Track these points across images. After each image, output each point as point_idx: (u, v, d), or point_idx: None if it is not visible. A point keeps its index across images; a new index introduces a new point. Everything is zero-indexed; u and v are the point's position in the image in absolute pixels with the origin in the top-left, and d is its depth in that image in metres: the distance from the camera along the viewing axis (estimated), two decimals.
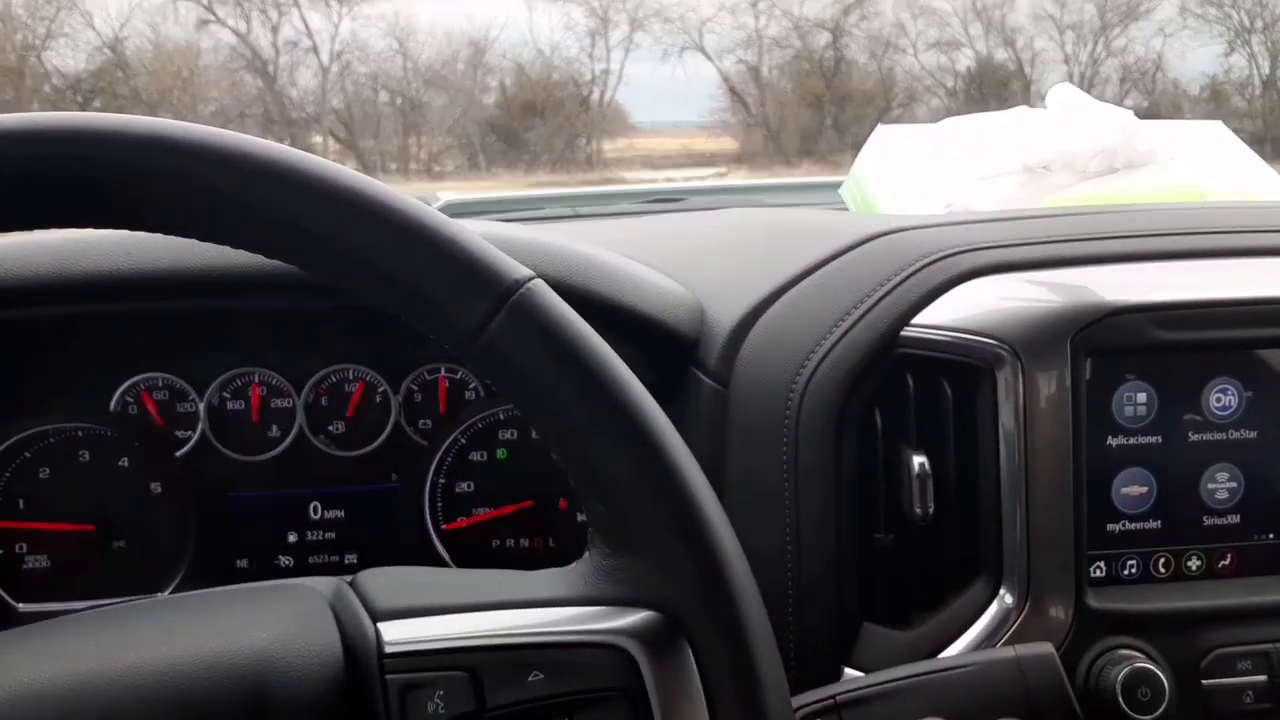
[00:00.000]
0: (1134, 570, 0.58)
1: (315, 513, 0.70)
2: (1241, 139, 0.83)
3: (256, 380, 0.69)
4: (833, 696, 0.49)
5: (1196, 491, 0.58)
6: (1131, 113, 0.77)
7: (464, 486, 0.71)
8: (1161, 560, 0.58)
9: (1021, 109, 0.82)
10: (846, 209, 0.88)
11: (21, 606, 0.68)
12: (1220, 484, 0.58)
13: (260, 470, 0.69)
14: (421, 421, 0.71)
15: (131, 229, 0.35)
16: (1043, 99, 0.83)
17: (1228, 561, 0.58)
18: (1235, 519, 0.58)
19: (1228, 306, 0.57)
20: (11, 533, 0.68)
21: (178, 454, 0.69)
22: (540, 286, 0.37)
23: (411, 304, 0.37)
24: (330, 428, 0.70)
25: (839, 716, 0.49)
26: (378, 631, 0.36)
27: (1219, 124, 0.85)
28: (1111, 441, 0.57)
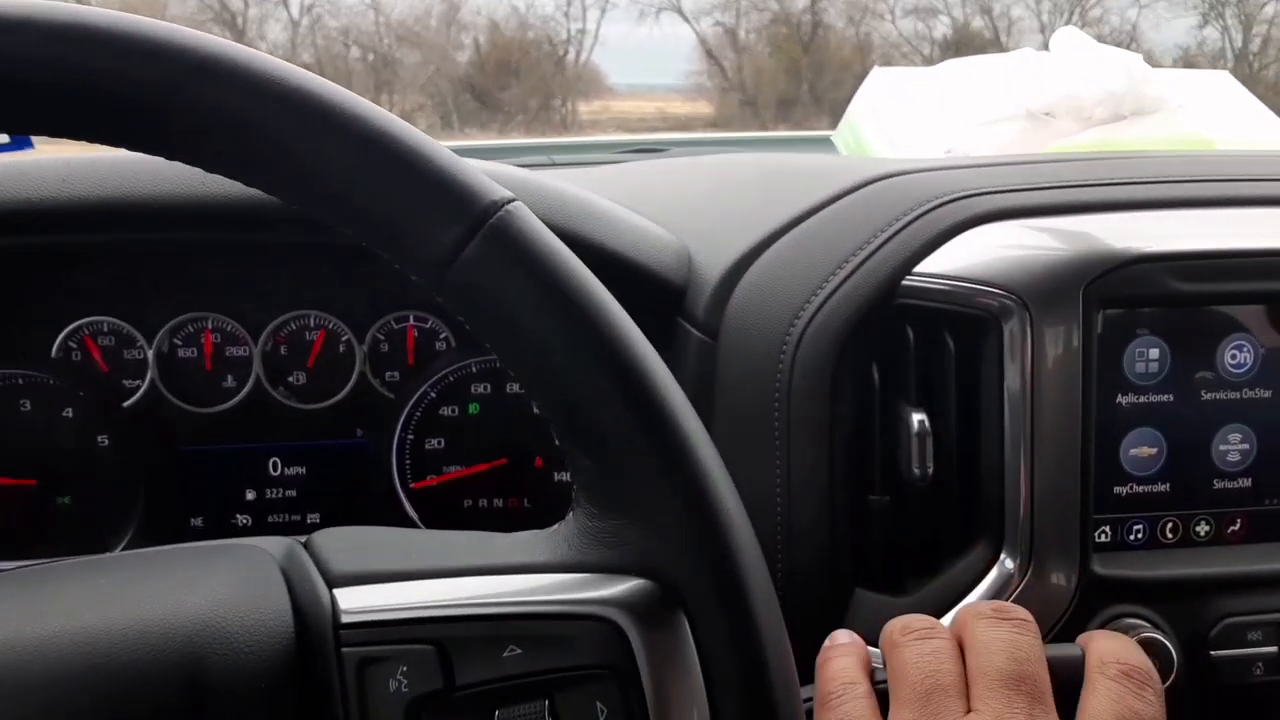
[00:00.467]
0: (1140, 535, 0.55)
1: (274, 469, 0.66)
2: None
3: (210, 326, 0.65)
4: None
5: (1207, 453, 0.55)
6: (1140, 58, 0.73)
7: (434, 443, 0.67)
8: (1169, 525, 0.55)
9: (1026, 51, 0.78)
10: (839, 155, 0.84)
11: None
12: (1232, 445, 0.55)
13: (215, 423, 0.65)
14: (388, 373, 0.67)
15: (47, 133, 0.30)
16: None
17: (1237, 527, 0.56)
18: (1246, 482, 0.56)
19: (1247, 258, 0.54)
20: None
21: (125, 404, 0.64)
22: (520, 210, 0.33)
23: (373, 227, 0.32)
24: (290, 379, 0.66)
25: None
26: (333, 598, 0.32)
27: (1226, 74, 0.81)
28: (1121, 400, 0.54)
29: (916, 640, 0.41)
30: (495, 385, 0.67)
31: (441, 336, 0.67)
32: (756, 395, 0.56)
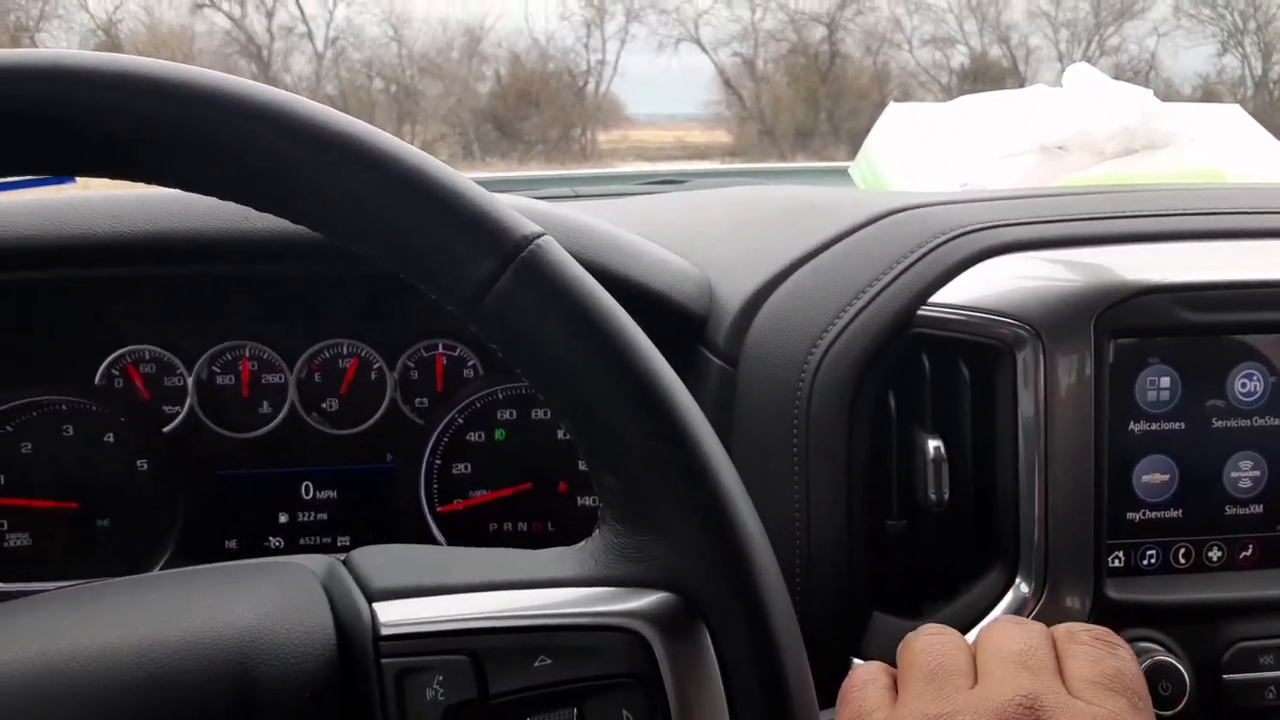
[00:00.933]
0: (1154, 560, 0.56)
1: (307, 493, 0.68)
2: None
3: (247, 354, 0.67)
4: None
5: (1219, 480, 0.56)
6: (1151, 93, 0.75)
7: (461, 468, 0.68)
8: (1182, 550, 0.56)
9: (1039, 87, 0.80)
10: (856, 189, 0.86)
11: (1, 586, 0.65)
12: (1243, 472, 0.56)
13: (250, 448, 0.67)
14: (418, 400, 0.68)
15: (105, 175, 0.33)
16: None
17: (1249, 552, 0.57)
18: (1258, 509, 0.56)
19: (1256, 288, 0.55)
20: None
21: (165, 430, 0.66)
22: (550, 244, 0.34)
23: (410, 261, 0.34)
24: (323, 405, 0.68)
25: None
26: (373, 612, 0.34)
27: (1237, 107, 0.83)
28: (1134, 427, 0.55)
29: (928, 634, 0.43)
30: (521, 411, 0.69)
31: (470, 364, 0.69)
32: (775, 422, 0.57)
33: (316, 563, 0.37)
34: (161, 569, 0.66)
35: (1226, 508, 0.56)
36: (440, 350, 0.69)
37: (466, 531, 0.68)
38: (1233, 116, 0.82)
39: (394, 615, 0.34)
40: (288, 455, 0.67)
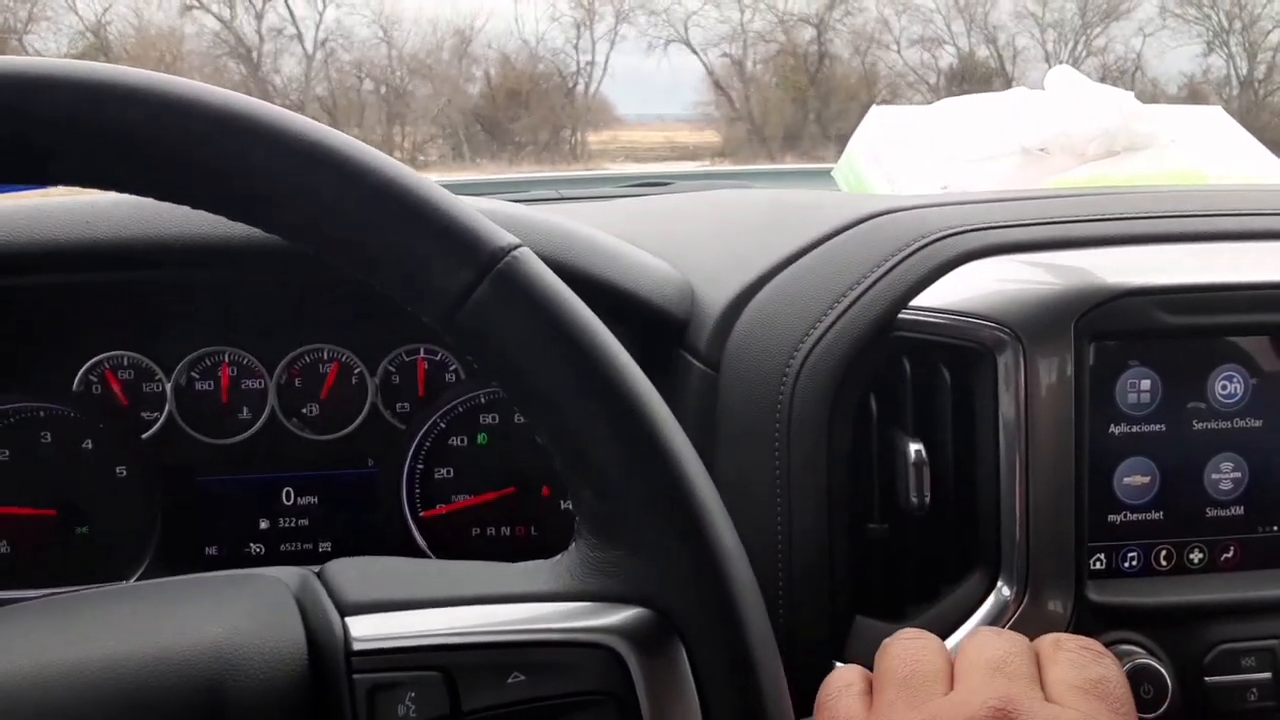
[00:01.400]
0: (1135, 562, 0.56)
1: (288, 498, 0.67)
2: None
3: (226, 360, 0.67)
4: None
5: (1200, 482, 0.56)
6: (1131, 95, 0.75)
7: (443, 472, 0.68)
8: (1163, 552, 0.56)
9: (1019, 90, 0.80)
10: (839, 192, 0.86)
11: None
12: (1224, 474, 0.56)
13: (230, 453, 0.67)
14: (399, 404, 0.68)
15: (76, 184, 0.32)
16: None
17: (1231, 554, 0.57)
18: (1239, 510, 0.57)
19: (1235, 291, 0.55)
20: None
21: (144, 436, 0.66)
22: (527, 255, 0.34)
23: (386, 272, 0.34)
24: (304, 410, 0.67)
25: None
26: (345, 627, 0.33)
27: (1218, 109, 0.83)
28: (1114, 430, 0.55)
29: (904, 639, 0.42)
30: (503, 416, 0.69)
31: (451, 368, 0.69)
32: (757, 426, 0.57)
33: (290, 575, 0.36)
34: (140, 576, 0.66)
35: (1207, 509, 0.56)
36: (421, 355, 0.68)
37: (449, 537, 0.68)
38: (1213, 118, 0.82)
39: (367, 630, 0.34)
40: (268, 461, 0.67)
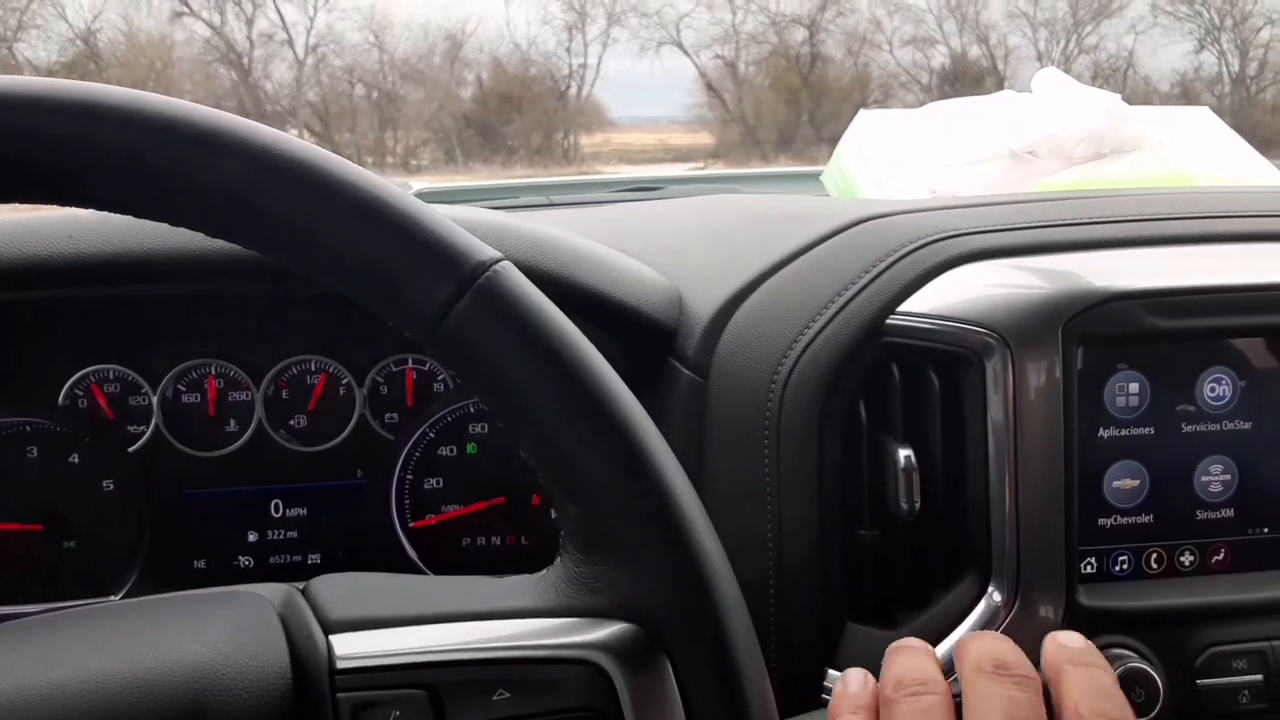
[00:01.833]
0: (1126, 566, 0.56)
1: (276, 511, 0.67)
2: None
3: (213, 372, 0.66)
4: None
5: (1190, 485, 0.56)
6: (1118, 97, 0.75)
7: (432, 483, 0.68)
8: (1154, 555, 0.56)
9: (1007, 93, 0.80)
10: (828, 196, 0.86)
11: None
12: (1214, 476, 0.56)
13: (218, 466, 0.66)
14: (388, 415, 0.68)
15: (48, 202, 0.32)
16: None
17: (1221, 557, 0.57)
18: (1229, 513, 0.56)
19: (1223, 293, 0.55)
20: None
21: (130, 450, 0.66)
22: (508, 269, 0.34)
23: (366, 287, 0.34)
24: (291, 422, 0.67)
25: None
26: (329, 645, 0.33)
27: (1206, 110, 0.83)
28: (1103, 433, 0.55)
29: (910, 697, 0.42)
30: (493, 425, 0.68)
31: (440, 378, 0.69)
32: (747, 433, 0.57)
33: (274, 592, 0.36)
34: (128, 591, 0.65)
35: (1197, 512, 0.56)
36: (410, 365, 0.68)
37: (439, 547, 0.68)
38: (1201, 118, 0.82)
39: (351, 648, 0.33)
40: (256, 473, 0.67)
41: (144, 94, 0.33)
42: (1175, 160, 0.74)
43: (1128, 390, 0.55)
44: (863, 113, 0.83)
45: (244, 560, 0.67)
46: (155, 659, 0.32)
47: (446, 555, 0.68)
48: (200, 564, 0.67)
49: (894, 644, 0.45)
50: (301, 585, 0.37)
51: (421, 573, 0.67)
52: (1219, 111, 0.84)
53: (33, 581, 0.65)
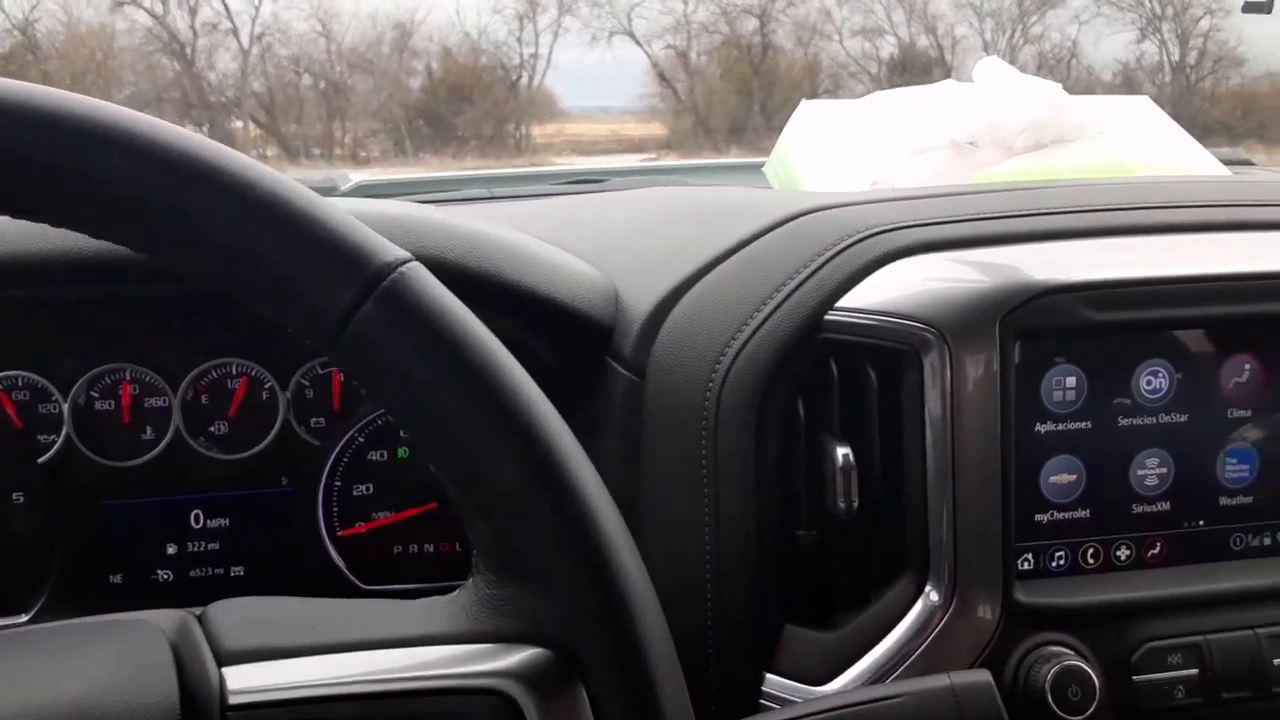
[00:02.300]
0: (1062, 562, 0.56)
1: (197, 522, 0.64)
2: None
3: (127, 377, 0.63)
4: None
5: (1126, 478, 0.56)
6: (1060, 86, 0.75)
7: (362, 489, 0.65)
8: (1090, 550, 0.56)
9: (948, 83, 0.79)
10: (771, 188, 0.84)
11: None
12: (1150, 470, 0.56)
13: (134, 476, 0.63)
14: (314, 420, 0.65)
15: None
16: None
17: (1157, 550, 0.56)
18: (1165, 506, 0.56)
19: (1159, 285, 0.55)
20: None
21: (40, 460, 0.62)
22: (416, 270, 0.32)
23: (266, 292, 0.32)
24: (211, 428, 0.64)
25: None
26: (222, 678, 0.31)
27: (1146, 99, 0.83)
28: (1040, 428, 0.55)
29: None
30: None
31: None
32: (684, 432, 0.56)
33: (169, 620, 0.34)
34: (41, 607, 0.62)
35: (1134, 506, 0.56)
36: (336, 367, 0.66)
37: (369, 556, 0.66)
38: (1141, 108, 0.82)
39: (244, 681, 0.31)
40: (174, 483, 0.64)
41: (26, 85, 0.30)
42: (1114, 149, 0.74)
43: (1065, 384, 0.55)
44: (805, 103, 0.82)
45: (163, 574, 0.64)
46: (29, 696, 0.30)
47: (377, 564, 0.66)
48: (116, 579, 0.64)
49: None
50: (199, 611, 0.34)
51: (350, 583, 0.65)
52: (1160, 100, 0.84)
53: None
